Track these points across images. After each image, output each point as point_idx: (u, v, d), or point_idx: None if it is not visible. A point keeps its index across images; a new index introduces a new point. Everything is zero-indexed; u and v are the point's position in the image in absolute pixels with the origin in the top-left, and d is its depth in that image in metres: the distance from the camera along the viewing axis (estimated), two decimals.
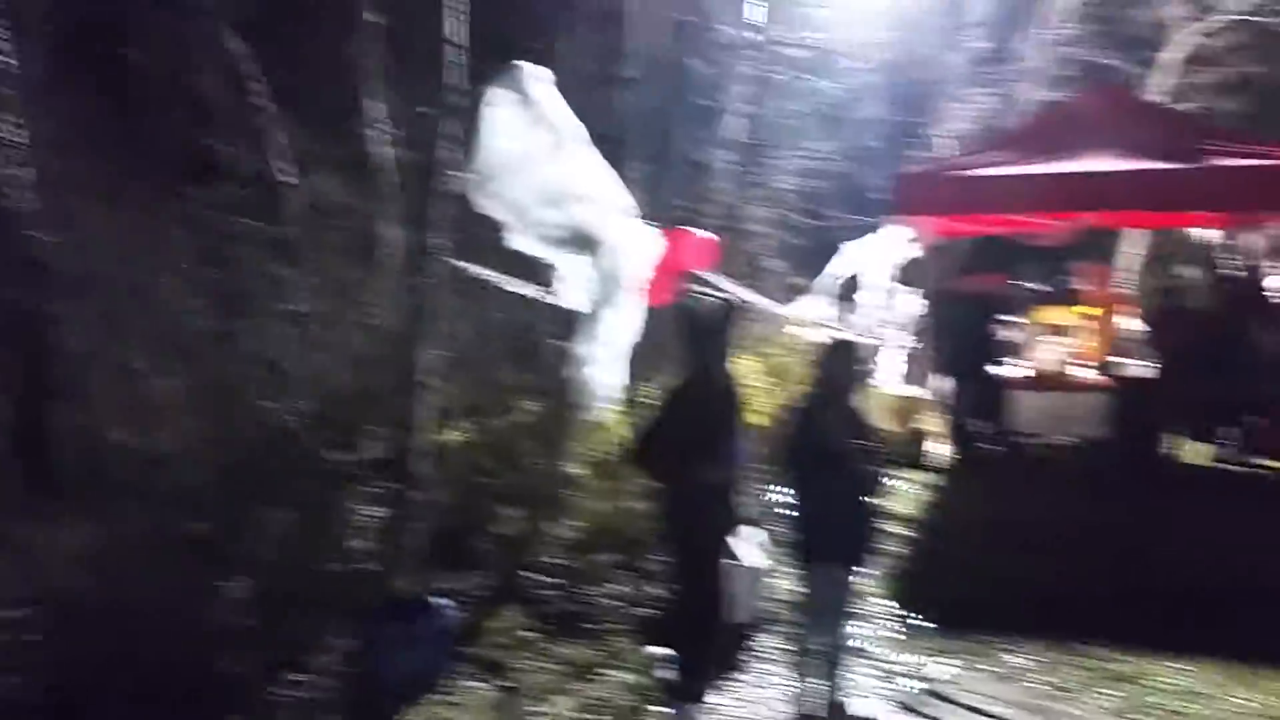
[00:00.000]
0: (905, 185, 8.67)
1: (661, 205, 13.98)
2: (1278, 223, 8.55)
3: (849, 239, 11.09)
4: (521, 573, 5.53)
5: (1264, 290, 8.80)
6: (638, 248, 3.91)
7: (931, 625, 5.22)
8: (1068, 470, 8.59)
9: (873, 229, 9.47)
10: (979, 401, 9.22)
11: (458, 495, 6.26)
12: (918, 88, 14.67)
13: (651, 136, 14.36)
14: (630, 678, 4.51)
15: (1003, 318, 9.51)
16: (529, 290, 4.88)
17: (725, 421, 3.81)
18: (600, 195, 3.59)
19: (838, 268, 10.34)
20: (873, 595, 5.71)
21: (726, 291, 6.76)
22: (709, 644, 3.84)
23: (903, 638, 5.13)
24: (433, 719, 4.09)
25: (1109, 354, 9.86)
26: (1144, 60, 13.65)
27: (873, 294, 10.29)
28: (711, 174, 14.88)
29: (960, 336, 9.43)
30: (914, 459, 9.20)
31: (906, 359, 11.58)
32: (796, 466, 4.04)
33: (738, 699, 4.48)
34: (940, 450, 9.62)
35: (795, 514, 4.14)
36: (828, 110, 14.47)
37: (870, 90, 14.28)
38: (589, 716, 4.16)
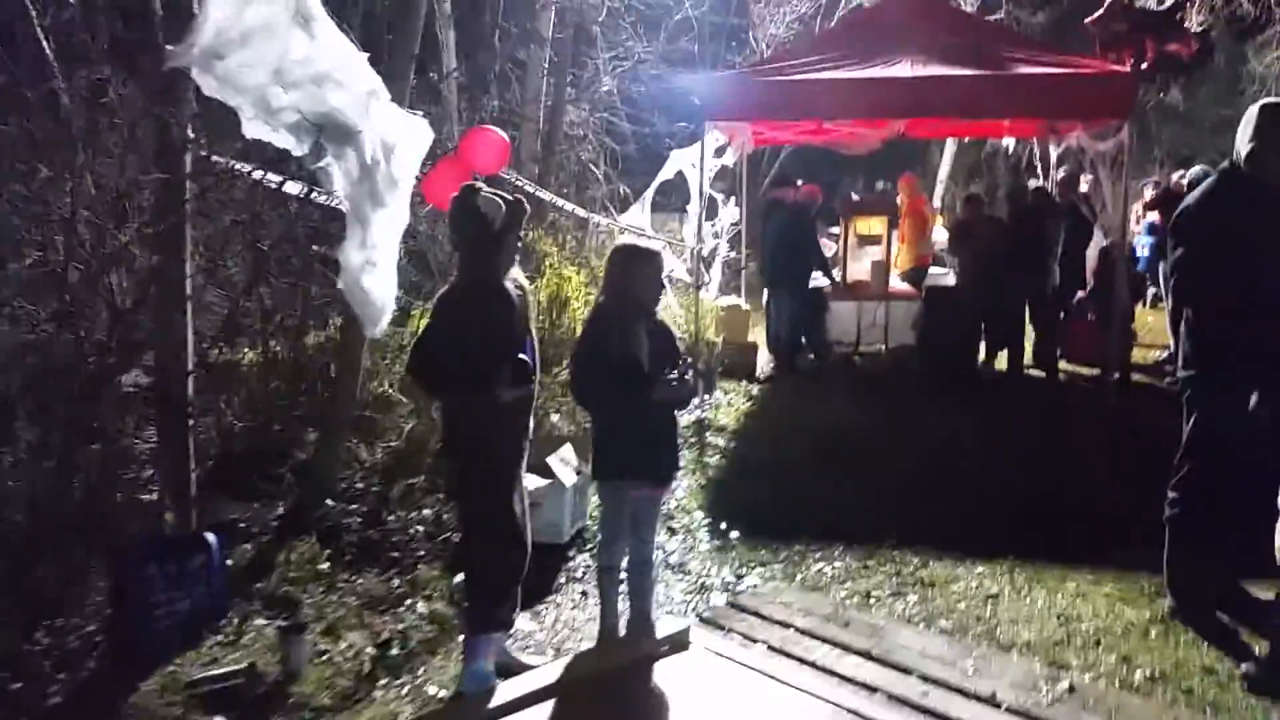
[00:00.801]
0: (718, 90, 8.44)
1: (475, 105, 13.39)
2: (1079, 131, 8.83)
3: (674, 147, 10.90)
4: (318, 500, 5.15)
5: (1059, 199, 9.14)
6: (404, 139, 3.49)
7: (744, 538, 5.19)
8: (882, 378, 8.85)
9: (695, 137, 9.23)
10: (798, 312, 9.33)
11: (247, 418, 5.77)
12: None
13: (467, 32, 13.58)
14: (432, 608, 4.24)
15: (818, 228, 9.59)
16: (292, 188, 4.37)
17: (505, 331, 3.50)
18: (354, 79, 3.11)
19: (664, 175, 10.12)
20: (685, 509, 5.66)
21: (516, 193, 6.41)
22: (507, 568, 3.59)
23: (716, 551, 5.07)
24: (210, 661, 3.70)
25: (919, 263, 10.16)
26: None
27: (697, 203, 10.13)
28: (531, 73, 14.32)
29: (779, 247, 9.44)
30: (748, 370, 9.27)
31: (729, 269, 11.63)
32: (590, 381, 3.79)
33: (547, 623, 4.31)
34: (764, 361, 9.74)
35: (594, 430, 3.93)
36: (647, 11, 14.05)
37: None
38: (383, 651, 3.87)
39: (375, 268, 3.40)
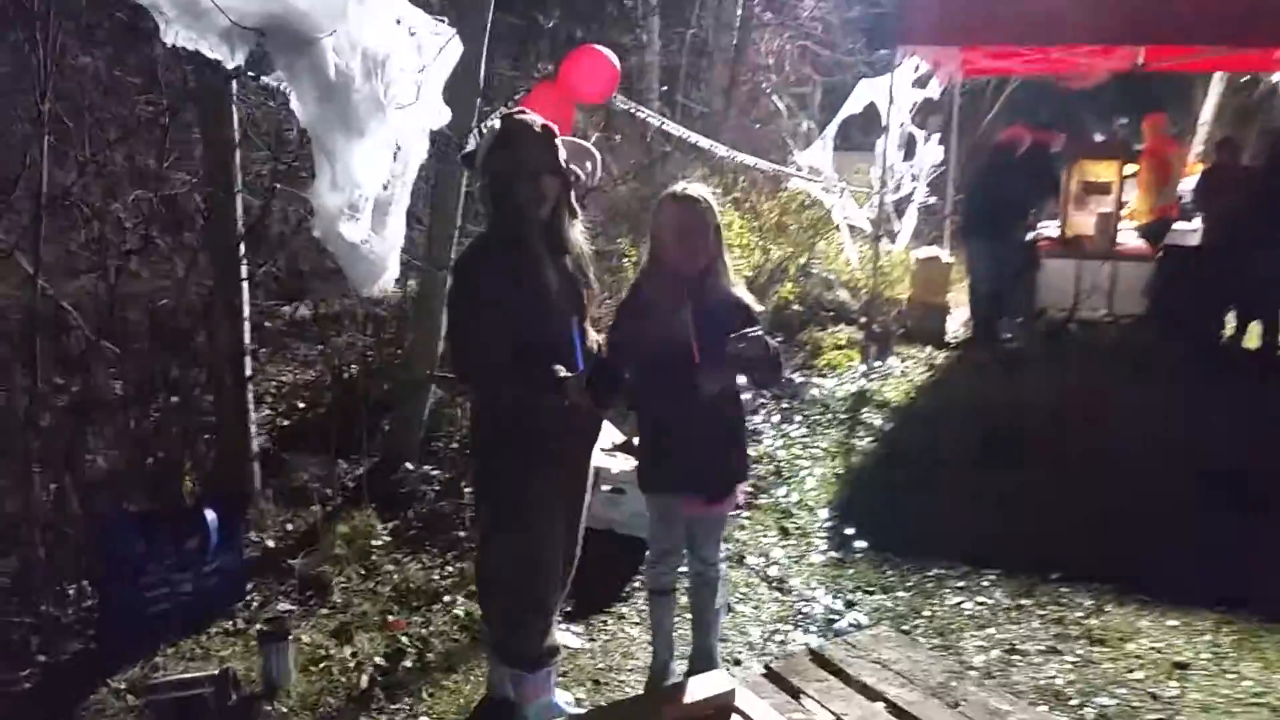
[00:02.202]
0: (912, 6, 7.19)
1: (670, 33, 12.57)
2: None
3: (866, 75, 9.65)
4: (396, 463, 4.70)
5: None
6: (406, 49, 2.78)
7: (872, 550, 4.25)
8: (1100, 353, 7.41)
9: (891, 64, 8.02)
10: (1005, 269, 7.99)
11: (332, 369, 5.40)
12: None
13: None
14: (472, 608, 3.62)
15: (1037, 173, 8.13)
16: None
17: (542, 304, 2.74)
18: None
19: (850, 108, 8.94)
20: (808, 504, 4.75)
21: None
22: (526, 599, 2.90)
23: (831, 566, 4.16)
24: (200, 656, 3.28)
25: (1158, 218, 8.47)
26: None
27: (890, 141, 8.92)
28: None
29: (987, 193, 8.10)
30: (935, 334, 8.09)
31: (929, 217, 10.29)
32: (636, 370, 2.97)
33: (599, 642, 3.60)
34: (958, 325, 8.49)
35: (640, 429, 3.12)
36: None
37: None
38: (394, 663, 3.31)
39: (358, 214, 2.73)
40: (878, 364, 7.28)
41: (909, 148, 9.58)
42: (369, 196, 2.75)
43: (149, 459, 3.77)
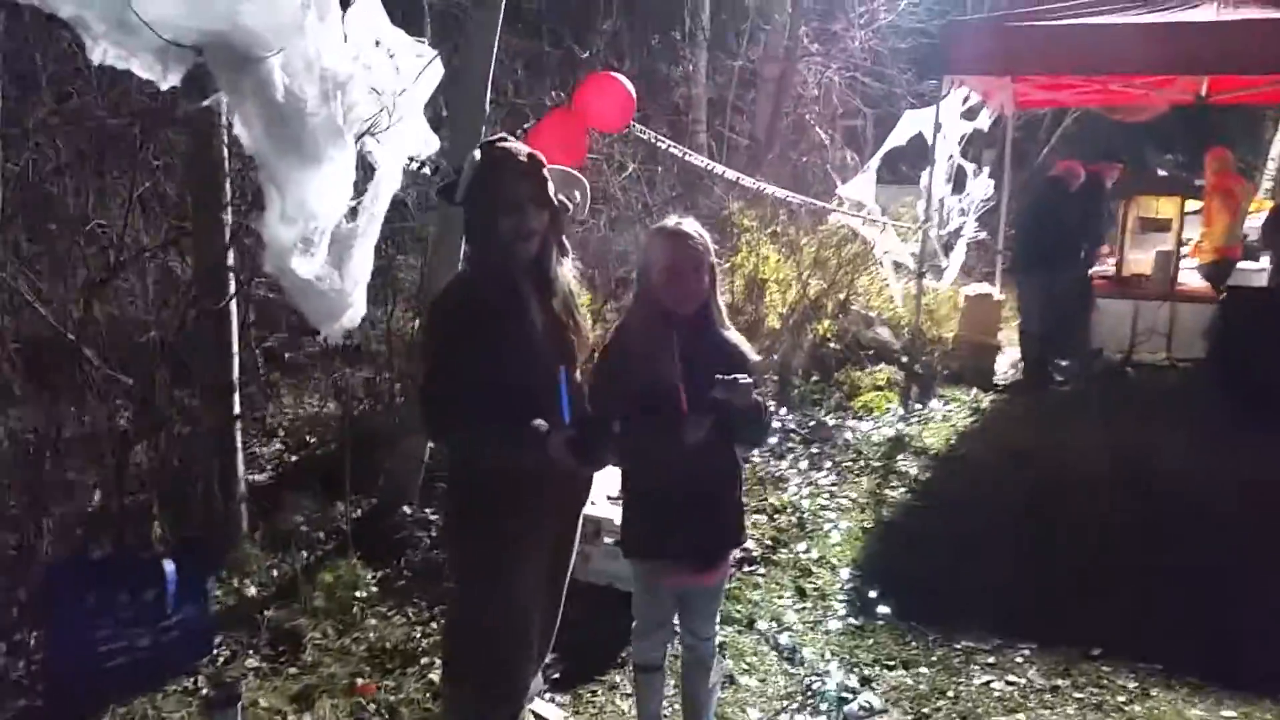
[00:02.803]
0: (960, 36, 6.88)
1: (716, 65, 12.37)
2: None
3: (915, 106, 9.32)
4: (393, 506, 4.47)
5: None
6: (375, 70, 2.56)
7: (895, 617, 3.90)
8: (1156, 400, 6.95)
9: (941, 94, 7.70)
10: (1057, 308, 7.57)
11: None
12: None
13: None
14: None
15: (1091, 208, 7.71)
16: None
17: (526, 348, 2.50)
18: None
19: (895, 140, 8.61)
20: (829, 562, 4.40)
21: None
22: (491, 670, 2.62)
23: (849, 634, 3.81)
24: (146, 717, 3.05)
25: (1221, 257, 7.98)
26: None
27: (937, 174, 8.57)
28: (773, 28, 13.14)
29: (1039, 229, 7.73)
30: (983, 375, 7.68)
31: (976, 253, 9.90)
32: (621, 421, 2.68)
33: (585, 715, 3.30)
34: (1007, 366, 8.08)
35: (623, 486, 2.83)
36: None
37: None
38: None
39: (313, 248, 2.51)
40: (918, 407, 6.91)
41: (958, 181, 9.22)
42: (324, 229, 2.52)
43: (122, 500, 3.56)
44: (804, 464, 5.62)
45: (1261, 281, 7.48)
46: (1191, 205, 8.25)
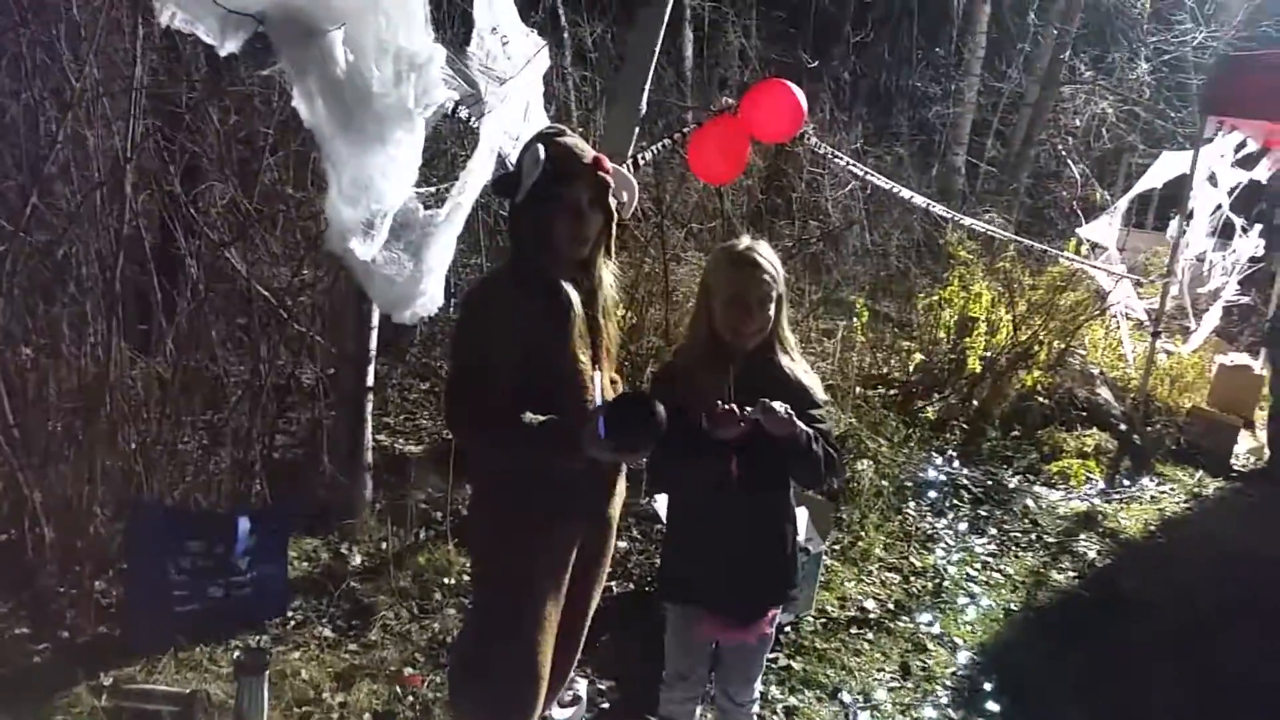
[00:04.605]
0: (1224, 72, 5.99)
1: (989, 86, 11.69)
2: None
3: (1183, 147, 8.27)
4: None
5: None
6: (425, 49, 2.44)
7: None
8: None
9: (1205, 136, 6.79)
10: None
11: None
12: None
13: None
14: None
15: None
16: None
17: (561, 353, 2.34)
18: None
19: (1149, 181, 7.67)
20: (950, 640, 3.91)
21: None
22: (503, 703, 2.48)
23: None
24: (194, 668, 3.15)
25: None
26: None
27: (1197, 224, 7.60)
28: (1043, 50, 12.22)
29: None
30: (1218, 458, 6.69)
31: (1232, 316, 8.66)
32: (660, 452, 2.45)
33: None
34: (1251, 450, 6.99)
35: (667, 523, 2.59)
36: None
37: None
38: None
39: (373, 231, 2.46)
40: (1125, 483, 6.09)
41: (1225, 235, 8.11)
42: (387, 212, 2.47)
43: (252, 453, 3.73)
44: (964, 525, 5.07)
45: None
46: None
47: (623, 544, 4.15)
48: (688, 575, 2.51)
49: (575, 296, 2.40)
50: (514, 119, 2.97)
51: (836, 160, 4.81)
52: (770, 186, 8.62)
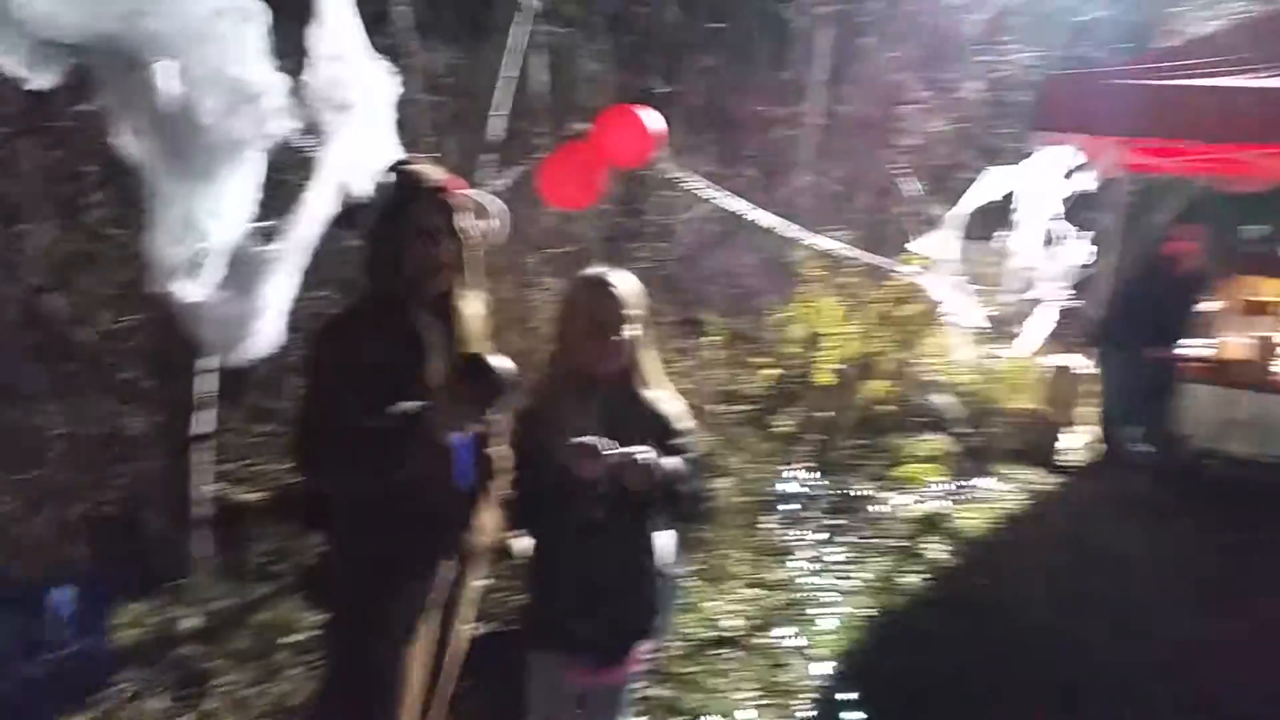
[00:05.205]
0: (1050, 92, 6.43)
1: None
2: None
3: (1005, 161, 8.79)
4: None
5: None
6: (260, 79, 2.35)
7: None
8: (1237, 504, 6.28)
9: (1031, 150, 7.25)
10: (1139, 390, 6.99)
11: None
12: None
13: None
14: None
15: (1188, 285, 7.08)
16: None
17: (410, 395, 2.28)
18: None
19: (979, 197, 8.11)
20: (812, 655, 3.99)
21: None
22: None
23: None
24: None
25: None
26: None
27: (1025, 234, 8.06)
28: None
29: (1129, 301, 7.23)
30: (1043, 454, 7.13)
31: (1057, 321, 9.24)
32: (524, 493, 2.43)
33: None
34: (1078, 444, 7.46)
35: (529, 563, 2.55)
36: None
37: None
38: None
39: (199, 270, 2.33)
40: (968, 484, 6.40)
41: (1054, 244, 8.67)
42: (214, 250, 2.35)
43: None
44: (819, 535, 5.20)
45: None
46: None
47: (486, 582, 4.07)
48: (555, 618, 2.47)
49: (432, 329, 2.36)
50: (359, 148, 2.88)
51: (688, 183, 4.88)
52: (624, 210, 8.69)
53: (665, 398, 2.50)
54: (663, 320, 7.26)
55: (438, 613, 2.50)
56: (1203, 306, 7.29)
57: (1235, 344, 7.30)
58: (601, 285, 2.41)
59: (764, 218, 5.69)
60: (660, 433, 2.39)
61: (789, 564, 4.80)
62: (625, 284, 2.43)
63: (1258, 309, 7.30)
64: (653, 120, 4.29)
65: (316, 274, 2.62)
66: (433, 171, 2.39)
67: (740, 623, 4.14)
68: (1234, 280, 7.44)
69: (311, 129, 2.77)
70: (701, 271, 7.34)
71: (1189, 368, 7.19)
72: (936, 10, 11.54)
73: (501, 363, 2.24)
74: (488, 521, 2.56)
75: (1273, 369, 7.12)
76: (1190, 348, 7.24)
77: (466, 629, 2.66)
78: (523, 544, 2.57)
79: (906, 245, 8.52)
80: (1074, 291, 8.89)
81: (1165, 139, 7.07)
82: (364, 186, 2.46)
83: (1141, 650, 4.11)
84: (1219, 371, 7.21)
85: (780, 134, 12.94)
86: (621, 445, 2.28)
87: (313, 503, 2.68)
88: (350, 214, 2.40)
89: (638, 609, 2.50)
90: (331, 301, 5.10)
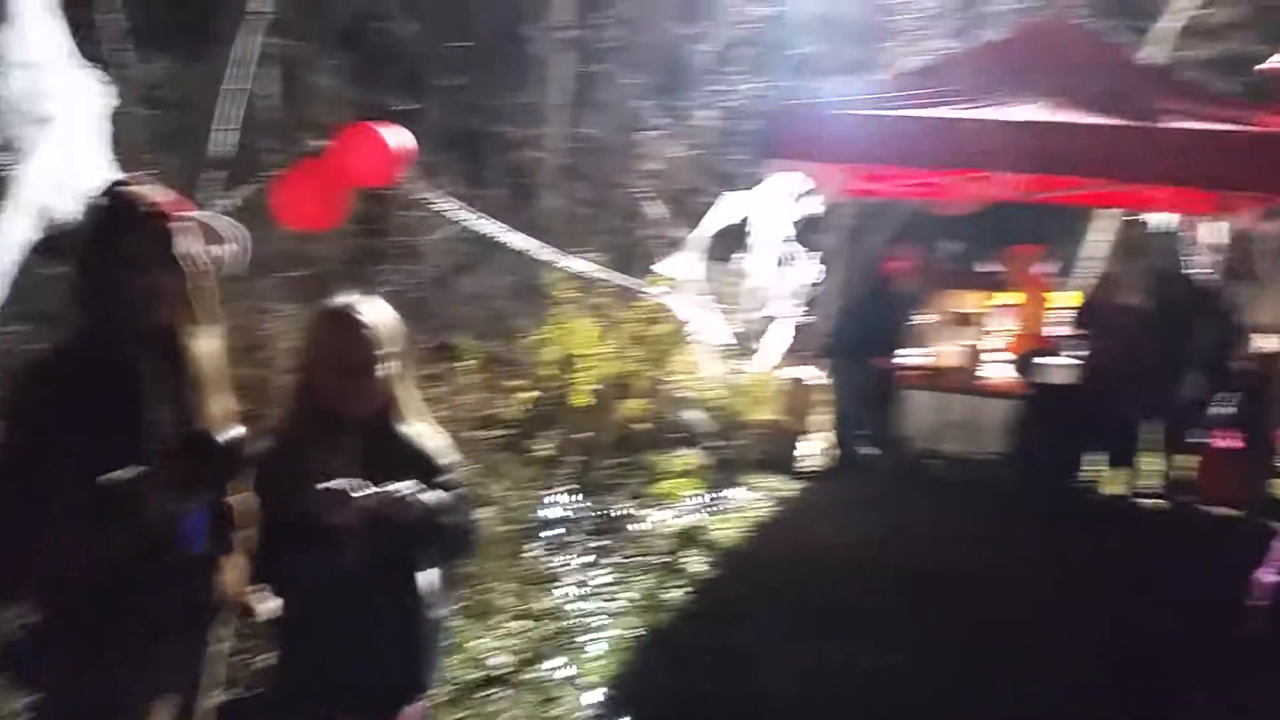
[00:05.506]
0: (777, 121, 6.83)
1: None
2: (1255, 207, 6.81)
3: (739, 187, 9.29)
4: None
5: (1219, 292, 7.11)
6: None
7: None
8: (953, 492, 6.95)
9: (761, 177, 7.64)
10: (866, 398, 7.59)
11: None
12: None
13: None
14: None
15: (904, 299, 7.76)
16: None
17: (135, 443, 2.00)
18: None
19: (716, 221, 8.51)
20: (583, 678, 3.95)
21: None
22: None
23: None
24: None
25: (1026, 352, 8.12)
26: (1140, 29, 11.97)
27: (759, 255, 8.50)
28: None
29: (852, 316, 7.82)
30: (785, 462, 7.52)
31: (792, 336, 9.86)
32: (270, 548, 2.21)
33: None
34: (815, 451, 7.94)
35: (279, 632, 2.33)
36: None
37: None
38: None
39: None
40: (720, 495, 6.62)
41: (785, 264, 9.21)
42: None
43: None
44: (582, 560, 5.18)
45: (1064, 378, 7.59)
46: (1011, 299, 8.40)
47: (225, 645, 3.70)
48: (312, 680, 2.25)
49: (154, 371, 2.08)
50: (63, 166, 2.53)
51: (437, 203, 4.73)
52: (368, 231, 8.34)
53: (427, 432, 2.36)
54: (413, 345, 7.03)
55: (178, 685, 2.23)
56: (917, 319, 8.01)
57: (947, 352, 8.04)
58: (349, 320, 2.22)
59: (515, 239, 5.63)
60: (423, 470, 2.24)
61: (555, 591, 4.73)
62: (377, 315, 2.26)
63: (964, 320, 8.07)
64: (397, 137, 4.13)
65: (14, 306, 2.27)
66: (151, 193, 2.13)
67: (508, 659, 4.00)
68: (943, 294, 8.18)
69: (5, 145, 2.43)
70: (452, 294, 7.15)
71: (908, 376, 7.86)
72: (670, 40, 11.94)
73: (230, 434, 2.03)
74: (229, 578, 2.30)
75: (980, 374, 7.92)
76: (908, 357, 7.93)
77: (211, 700, 2.38)
78: (268, 603, 2.33)
79: (652, 267, 8.77)
80: (805, 308, 9.52)
81: (883, 165, 7.65)
82: (70, 209, 2.14)
83: (878, 636, 4.37)
84: (934, 378, 7.93)
85: (526, 155, 12.96)
86: (380, 486, 2.13)
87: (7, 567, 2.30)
88: (54, 240, 2.09)
89: (407, 661, 2.34)
90: (32, 337, 4.51)
